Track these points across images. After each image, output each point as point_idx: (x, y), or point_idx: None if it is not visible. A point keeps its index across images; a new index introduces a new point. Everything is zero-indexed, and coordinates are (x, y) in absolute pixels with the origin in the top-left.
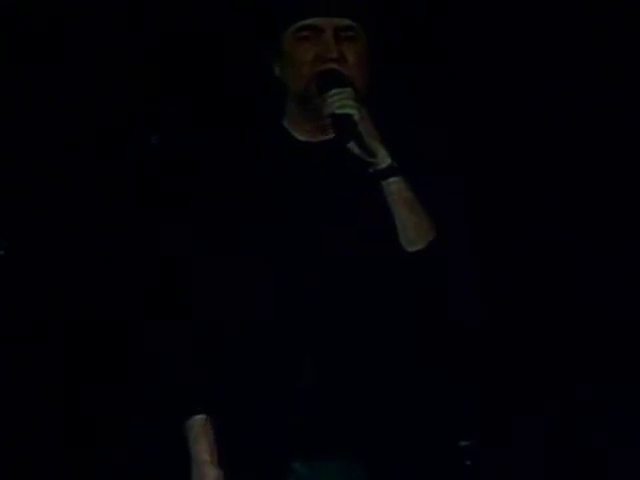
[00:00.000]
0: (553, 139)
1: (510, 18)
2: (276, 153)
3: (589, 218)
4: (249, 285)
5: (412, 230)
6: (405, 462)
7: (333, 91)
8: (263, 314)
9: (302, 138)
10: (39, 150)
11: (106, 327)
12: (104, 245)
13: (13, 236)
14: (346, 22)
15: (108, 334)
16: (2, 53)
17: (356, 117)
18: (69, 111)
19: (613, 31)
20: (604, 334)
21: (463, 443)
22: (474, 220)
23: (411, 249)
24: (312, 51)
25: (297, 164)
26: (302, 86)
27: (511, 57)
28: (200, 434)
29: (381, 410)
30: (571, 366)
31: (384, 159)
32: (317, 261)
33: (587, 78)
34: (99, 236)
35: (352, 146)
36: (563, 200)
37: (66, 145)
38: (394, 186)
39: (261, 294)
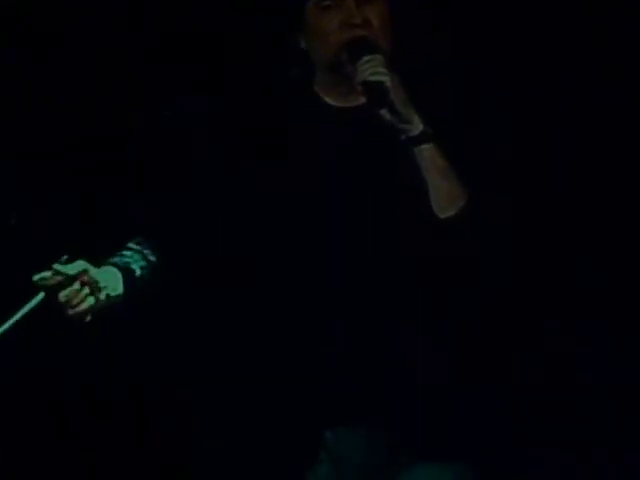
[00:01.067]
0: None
1: (508, 18)
2: (309, 118)
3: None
4: (284, 249)
5: (444, 197)
6: (431, 430)
7: (364, 59)
8: (296, 278)
9: (335, 103)
10: (39, 150)
11: None
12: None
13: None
14: None
15: None
16: (2, 53)
17: (388, 84)
18: (69, 111)
19: (613, 29)
20: None
21: None
22: (509, 187)
23: (443, 215)
24: (336, 19)
25: (330, 128)
26: (331, 55)
27: (512, 54)
28: None
29: (410, 379)
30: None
31: (417, 125)
32: (351, 226)
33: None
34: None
35: (384, 112)
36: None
37: (66, 145)
38: (426, 152)
39: (295, 258)
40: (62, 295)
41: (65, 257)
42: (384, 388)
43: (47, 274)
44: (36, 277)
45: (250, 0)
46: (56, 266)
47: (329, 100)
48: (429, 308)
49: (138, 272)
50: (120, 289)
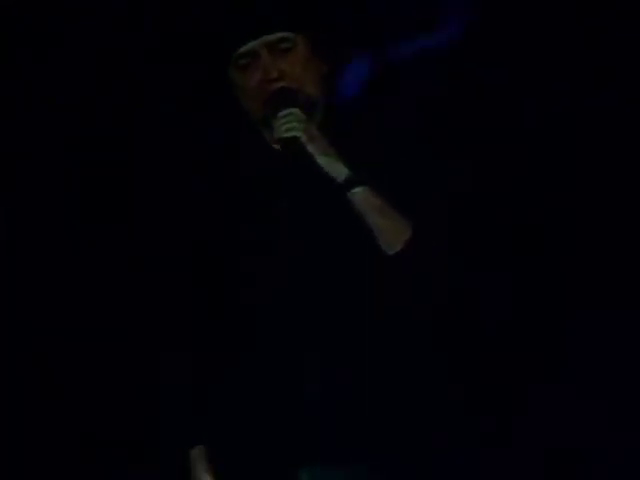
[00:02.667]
0: (541, 138)
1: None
2: (262, 165)
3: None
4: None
5: (386, 234)
6: (409, 464)
7: (279, 115)
8: (265, 324)
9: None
10: (39, 150)
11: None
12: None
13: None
14: (278, 36)
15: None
16: (2, 53)
17: (303, 139)
18: (69, 111)
19: (606, 32)
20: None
21: None
22: (454, 215)
23: (391, 252)
24: (255, 77)
25: (280, 175)
26: (257, 113)
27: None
28: (200, 462)
29: (385, 414)
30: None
31: (341, 172)
32: (303, 276)
33: (581, 80)
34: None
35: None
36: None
37: (66, 145)
38: (359, 196)
39: (260, 309)
40: None
41: None
42: (356, 427)
43: None
44: None
45: None
46: None
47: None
48: (398, 343)
49: None
50: None
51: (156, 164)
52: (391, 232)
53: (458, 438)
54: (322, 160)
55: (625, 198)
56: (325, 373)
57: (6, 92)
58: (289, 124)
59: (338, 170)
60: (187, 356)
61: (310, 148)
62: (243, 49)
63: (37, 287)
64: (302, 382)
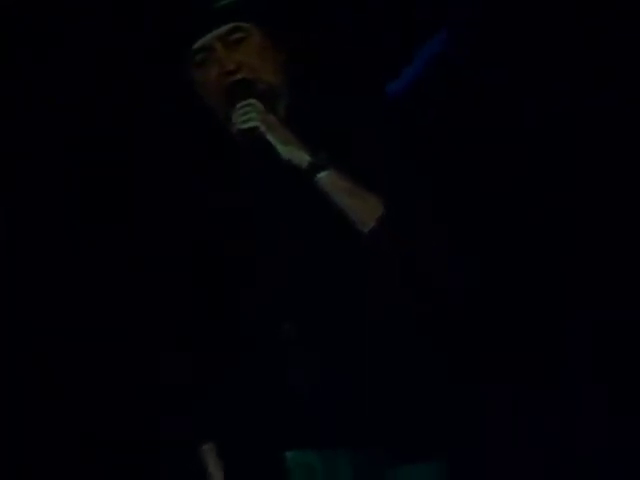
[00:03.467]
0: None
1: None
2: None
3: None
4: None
5: (358, 213)
6: (394, 448)
7: (237, 106)
8: (251, 313)
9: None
10: (39, 150)
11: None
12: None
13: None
14: (229, 27)
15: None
16: (2, 53)
17: (262, 129)
18: (69, 111)
19: (606, 32)
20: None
21: None
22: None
23: (365, 229)
24: (212, 71)
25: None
26: (220, 108)
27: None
28: (211, 458)
29: (372, 398)
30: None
31: (302, 160)
32: (285, 265)
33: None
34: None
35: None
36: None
37: (66, 145)
38: (324, 180)
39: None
40: None
41: None
42: (344, 411)
43: None
44: None
45: None
46: None
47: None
48: (383, 323)
49: None
50: None
51: (155, 163)
52: (362, 211)
53: (449, 418)
54: (283, 149)
55: (625, 198)
56: (309, 357)
57: (6, 92)
58: (246, 115)
59: (300, 157)
60: (187, 353)
61: (270, 138)
62: (197, 45)
63: (37, 287)
64: (286, 367)
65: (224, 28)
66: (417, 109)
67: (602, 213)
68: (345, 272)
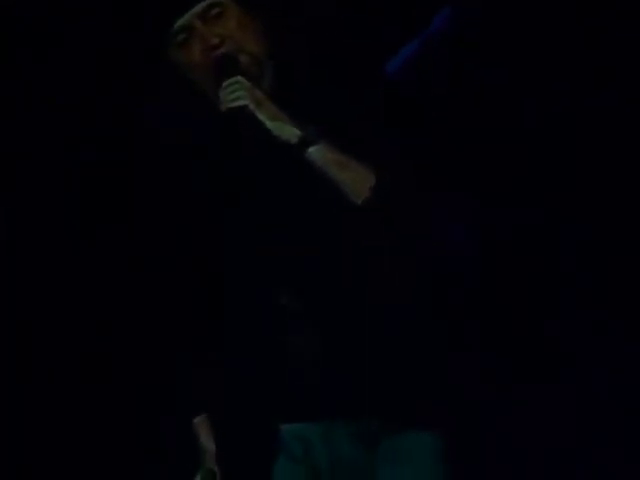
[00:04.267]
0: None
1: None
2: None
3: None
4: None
5: (351, 185)
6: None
7: (224, 85)
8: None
9: None
10: (39, 150)
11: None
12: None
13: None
14: (206, 3)
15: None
16: (2, 53)
17: (251, 106)
18: (69, 111)
19: (605, 32)
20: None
21: None
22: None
23: (359, 200)
24: (196, 50)
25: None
26: (210, 86)
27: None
28: (204, 429)
29: (369, 372)
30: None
31: (292, 136)
32: (284, 237)
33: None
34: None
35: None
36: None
37: (66, 145)
38: (315, 154)
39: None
40: None
41: None
42: (341, 382)
43: None
44: None
45: None
46: None
47: None
48: (382, 294)
49: None
50: None
51: (154, 163)
52: (355, 182)
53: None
54: (272, 125)
55: (624, 197)
56: (308, 329)
57: (6, 92)
58: (234, 93)
59: (290, 133)
60: (182, 324)
61: (259, 115)
62: (177, 26)
63: (36, 286)
64: (284, 339)
65: (200, 5)
66: (413, 87)
67: (601, 213)
68: (342, 244)
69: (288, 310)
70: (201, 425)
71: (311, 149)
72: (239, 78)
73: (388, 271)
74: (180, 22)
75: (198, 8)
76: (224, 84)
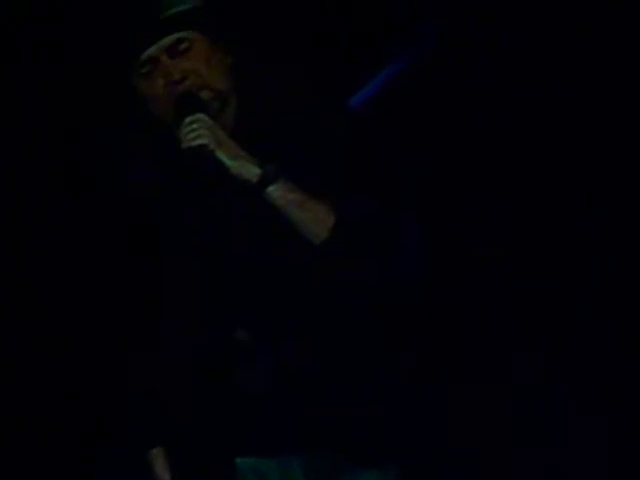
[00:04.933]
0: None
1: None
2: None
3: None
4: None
5: (308, 226)
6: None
7: (184, 122)
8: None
9: None
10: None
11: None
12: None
13: None
14: (174, 37)
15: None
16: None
17: (211, 146)
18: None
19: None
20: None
21: None
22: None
23: (317, 241)
24: (159, 83)
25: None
26: (171, 120)
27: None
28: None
29: (321, 404)
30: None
31: (251, 175)
32: (240, 274)
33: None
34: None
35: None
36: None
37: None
38: (274, 194)
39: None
40: None
41: None
42: (294, 417)
43: None
44: None
45: None
46: None
47: None
48: (342, 332)
49: None
50: None
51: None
52: (313, 222)
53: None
54: (231, 164)
55: (624, 197)
56: (263, 362)
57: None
58: (194, 132)
59: (249, 172)
60: (137, 356)
61: (218, 154)
62: (143, 57)
63: None
64: (240, 372)
65: (169, 38)
66: (376, 121)
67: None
68: (298, 281)
69: (242, 344)
70: (157, 457)
71: (270, 188)
72: (200, 116)
73: (343, 307)
74: (146, 53)
75: (166, 41)
76: (185, 121)
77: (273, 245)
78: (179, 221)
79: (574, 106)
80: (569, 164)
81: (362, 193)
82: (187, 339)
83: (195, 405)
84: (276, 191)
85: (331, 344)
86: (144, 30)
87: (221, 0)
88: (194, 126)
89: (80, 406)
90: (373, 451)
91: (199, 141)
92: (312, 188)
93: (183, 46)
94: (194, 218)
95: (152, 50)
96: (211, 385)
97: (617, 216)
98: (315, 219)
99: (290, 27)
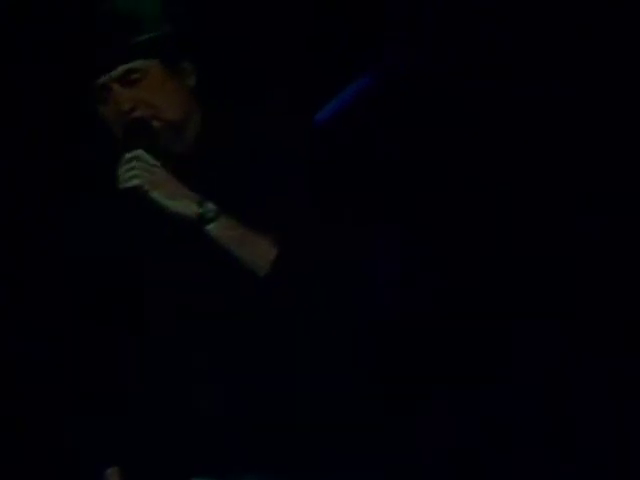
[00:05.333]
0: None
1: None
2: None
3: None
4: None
5: (250, 261)
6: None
7: (122, 160)
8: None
9: None
10: (38, 150)
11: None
12: None
13: None
14: (124, 68)
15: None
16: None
17: (146, 187)
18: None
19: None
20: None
21: None
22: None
23: (261, 274)
24: (113, 110)
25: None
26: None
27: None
28: None
29: (273, 425)
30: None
31: (190, 214)
32: (188, 304)
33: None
34: None
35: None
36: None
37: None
38: (213, 232)
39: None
40: None
41: None
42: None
43: None
44: None
45: None
46: None
47: None
48: (290, 357)
49: None
50: None
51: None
52: (255, 257)
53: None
54: (168, 204)
55: (624, 197)
56: (214, 386)
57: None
58: (130, 172)
59: (187, 211)
60: (92, 378)
61: (153, 195)
62: (97, 83)
63: None
64: (192, 395)
65: (121, 68)
66: (343, 137)
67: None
68: (247, 312)
69: (194, 367)
70: (112, 477)
71: (210, 226)
72: (139, 153)
73: (292, 335)
74: (99, 81)
75: (118, 71)
76: (123, 159)
77: (221, 275)
78: (125, 261)
79: (574, 106)
80: (569, 164)
81: (311, 220)
82: (144, 363)
83: (149, 425)
84: (215, 229)
85: (283, 369)
86: (98, 58)
87: (184, 28)
88: (130, 165)
89: (35, 423)
90: (323, 474)
91: (132, 182)
92: (255, 224)
93: (135, 76)
94: (137, 256)
95: (105, 79)
96: (167, 406)
97: (617, 216)
98: (256, 254)
99: (259, 40)
